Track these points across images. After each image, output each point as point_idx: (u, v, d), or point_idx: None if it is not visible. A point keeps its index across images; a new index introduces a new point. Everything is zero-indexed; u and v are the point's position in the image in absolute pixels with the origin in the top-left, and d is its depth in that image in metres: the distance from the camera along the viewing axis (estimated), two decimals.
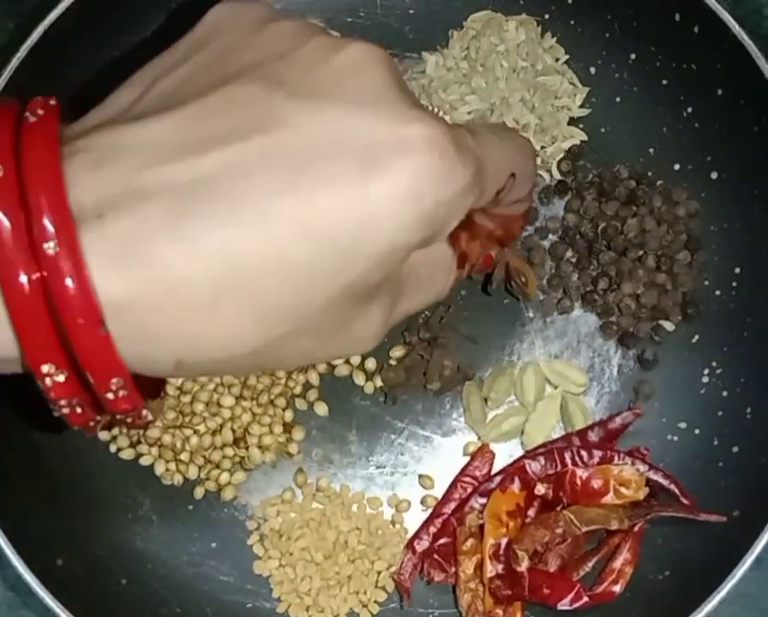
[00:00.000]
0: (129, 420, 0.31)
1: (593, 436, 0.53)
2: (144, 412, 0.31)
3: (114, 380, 0.28)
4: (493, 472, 0.53)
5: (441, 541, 0.52)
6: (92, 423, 0.30)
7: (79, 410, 0.29)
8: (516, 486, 0.51)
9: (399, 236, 0.30)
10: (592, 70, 0.58)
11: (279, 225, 0.28)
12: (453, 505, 0.53)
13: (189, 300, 0.28)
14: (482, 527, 0.50)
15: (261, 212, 0.28)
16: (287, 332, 0.30)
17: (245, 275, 0.28)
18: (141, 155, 0.29)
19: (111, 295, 0.27)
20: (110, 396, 0.28)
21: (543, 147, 0.57)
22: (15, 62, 0.49)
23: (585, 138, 0.57)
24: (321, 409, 0.55)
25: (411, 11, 0.58)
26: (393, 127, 0.30)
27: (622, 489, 0.49)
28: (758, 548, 0.46)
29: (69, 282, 0.26)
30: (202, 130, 0.29)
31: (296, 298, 0.30)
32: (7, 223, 0.26)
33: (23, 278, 0.26)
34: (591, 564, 0.51)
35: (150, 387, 0.32)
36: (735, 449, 0.52)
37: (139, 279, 0.27)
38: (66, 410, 0.29)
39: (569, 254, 0.56)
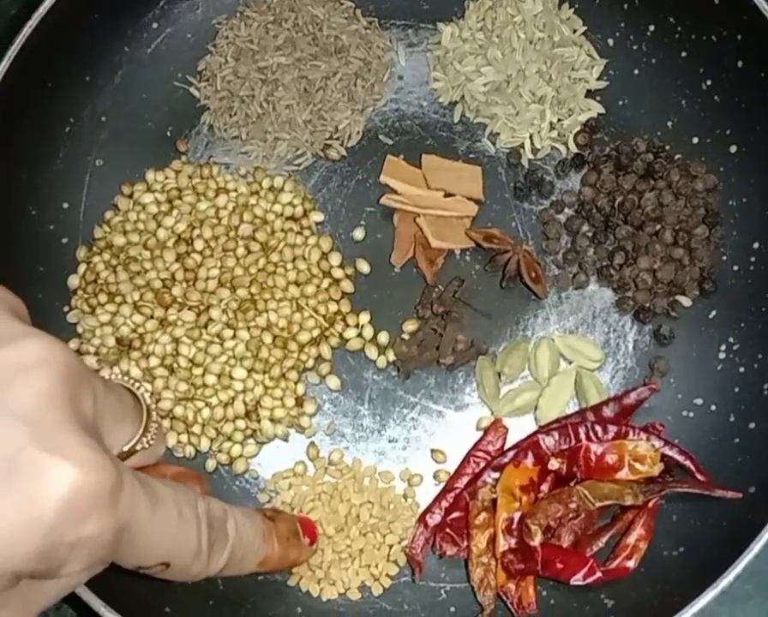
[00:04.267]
0: None
1: (608, 412, 0.52)
2: None
3: None
4: (506, 447, 0.53)
5: (454, 515, 0.51)
6: None
7: None
8: (529, 461, 0.51)
9: (14, 559, 0.28)
10: (610, 42, 0.57)
11: None
12: (465, 479, 0.52)
13: None
14: (494, 501, 0.50)
15: None
16: None
17: None
18: None
19: None
20: None
21: (559, 120, 0.56)
22: None
23: (603, 111, 0.57)
24: (334, 382, 0.54)
25: None
26: (43, 449, 0.28)
27: (637, 465, 0.49)
28: None
29: None
30: None
31: None
32: None
33: None
34: (604, 539, 0.50)
35: None
36: (752, 425, 0.51)
37: None
38: None
39: (585, 228, 0.55)
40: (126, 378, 0.38)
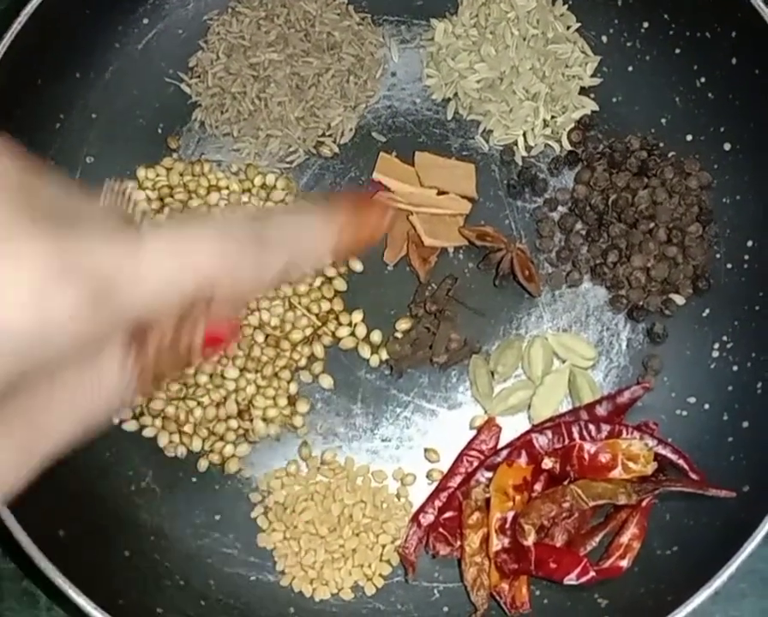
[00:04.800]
0: None
1: (601, 410, 0.52)
2: None
3: None
4: (499, 446, 0.53)
5: (447, 514, 0.51)
6: None
7: None
8: (523, 460, 0.51)
9: None
10: (604, 39, 0.57)
11: None
12: (458, 478, 0.52)
13: None
14: (488, 501, 0.50)
15: None
16: None
17: None
18: None
19: None
20: None
21: (553, 117, 0.56)
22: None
23: (597, 108, 0.56)
24: (326, 381, 0.54)
25: None
26: None
27: (630, 464, 0.49)
28: (767, 524, 0.46)
29: None
30: None
31: None
32: None
33: None
34: (598, 539, 0.50)
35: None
36: (746, 424, 0.51)
37: None
38: None
39: (579, 226, 0.55)
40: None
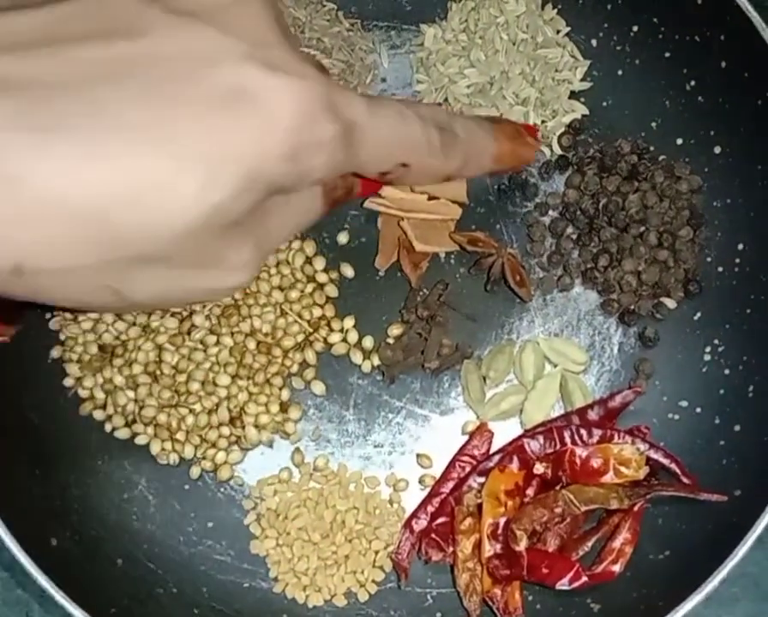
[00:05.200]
0: None
1: (593, 415, 0.52)
2: None
3: None
4: (491, 451, 0.53)
5: (439, 520, 0.51)
6: None
7: None
8: (515, 465, 0.51)
9: (263, 165, 0.31)
10: (594, 43, 0.57)
11: (138, 142, 0.28)
12: (451, 484, 0.52)
13: (32, 207, 0.27)
14: (480, 506, 0.50)
15: (116, 124, 0.28)
16: (136, 256, 0.30)
17: (96, 192, 0.28)
18: None
19: None
20: None
21: (543, 122, 0.56)
22: None
23: (587, 112, 0.56)
24: (318, 388, 0.54)
25: None
26: (269, 67, 0.31)
27: (622, 468, 0.49)
28: (759, 528, 0.46)
29: None
30: (64, 30, 0.28)
31: (151, 219, 0.29)
32: None
33: None
34: (590, 543, 0.50)
35: (6, 316, 0.31)
36: (737, 428, 0.51)
37: None
38: None
39: (569, 230, 0.55)
40: None
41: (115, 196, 0.28)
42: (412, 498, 0.53)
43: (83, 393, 0.53)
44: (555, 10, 0.57)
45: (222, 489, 0.53)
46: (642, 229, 0.54)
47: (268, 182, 0.32)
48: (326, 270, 0.55)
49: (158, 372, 0.53)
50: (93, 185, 0.28)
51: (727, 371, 0.53)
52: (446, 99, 0.57)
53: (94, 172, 0.28)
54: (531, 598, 0.50)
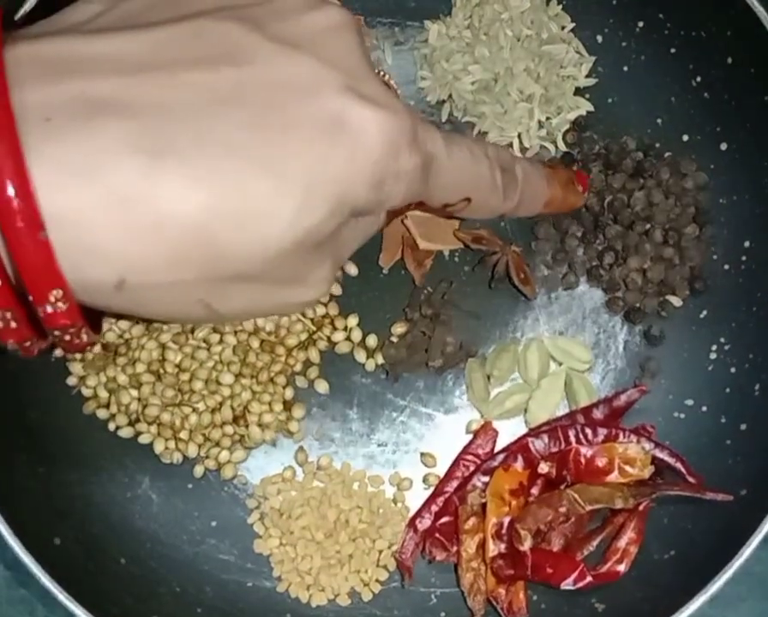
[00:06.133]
0: (67, 338, 0.30)
1: (598, 414, 0.52)
2: (83, 332, 0.30)
3: (53, 292, 0.27)
4: (496, 450, 0.52)
5: (443, 519, 0.51)
6: (28, 343, 0.30)
7: (13, 324, 0.29)
8: (519, 464, 0.50)
9: (351, 191, 0.32)
10: (599, 39, 0.56)
11: (246, 165, 0.29)
12: (455, 483, 0.52)
13: (143, 226, 0.28)
14: (484, 506, 0.50)
15: (224, 148, 0.29)
16: (233, 274, 0.31)
17: (206, 214, 0.29)
18: (98, 67, 0.28)
19: (55, 203, 0.26)
20: (48, 309, 0.28)
21: (548, 118, 0.56)
22: None
23: (592, 108, 0.56)
24: (322, 386, 0.54)
25: None
26: (364, 98, 0.32)
27: (627, 468, 0.48)
28: (765, 527, 0.46)
29: (8, 183, 0.25)
30: (168, 55, 0.29)
31: (250, 240, 0.30)
32: None
33: None
34: (595, 543, 0.50)
35: (90, 321, 0.31)
36: (743, 427, 0.51)
37: (90, 193, 0.27)
38: None
39: (574, 228, 0.55)
40: None
41: (224, 217, 0.29)
42: (416, 497, 0.53)
43: (86, 392, 0.53)
44: (560, 6, 0.56)
45: (225, 488, 0.53)
46: (647, 226, 0.53)
47: (353, 207, 0.33)
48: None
49: (161, 370, 0.52)
50: (204, 206, 0.29)
51: (733, 369, 0.52)
52: (450, 96, 0.57)
53: (205, 194, 0.29)
54: (535, 598, 0.50)
